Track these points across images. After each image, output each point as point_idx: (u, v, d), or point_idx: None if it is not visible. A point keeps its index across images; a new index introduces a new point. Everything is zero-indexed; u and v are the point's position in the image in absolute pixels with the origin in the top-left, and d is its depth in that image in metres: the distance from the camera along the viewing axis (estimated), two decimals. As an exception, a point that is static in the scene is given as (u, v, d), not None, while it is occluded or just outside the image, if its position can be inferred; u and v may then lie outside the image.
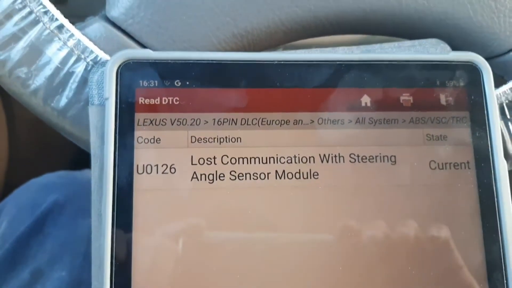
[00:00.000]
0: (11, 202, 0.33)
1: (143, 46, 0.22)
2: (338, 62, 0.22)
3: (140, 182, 0.19)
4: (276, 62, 0.21)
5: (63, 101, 0.22)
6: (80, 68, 0.21)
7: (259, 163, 0.20)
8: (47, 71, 0.21)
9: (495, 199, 0.21)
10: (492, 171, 0.22)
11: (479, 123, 0.22)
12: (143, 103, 0.20)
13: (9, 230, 0.31)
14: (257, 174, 0.20)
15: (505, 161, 0.22)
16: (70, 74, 0.21)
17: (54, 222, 0.31)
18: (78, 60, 0.21)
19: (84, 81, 0.22)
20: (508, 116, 0.25)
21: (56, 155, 0.57)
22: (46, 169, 0.54)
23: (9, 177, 0.53)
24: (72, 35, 0.21)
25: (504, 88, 0.25)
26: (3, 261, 0.30)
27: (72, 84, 0.22)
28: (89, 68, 0.21)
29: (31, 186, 0.34)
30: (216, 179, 0.20)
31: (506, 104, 0.25)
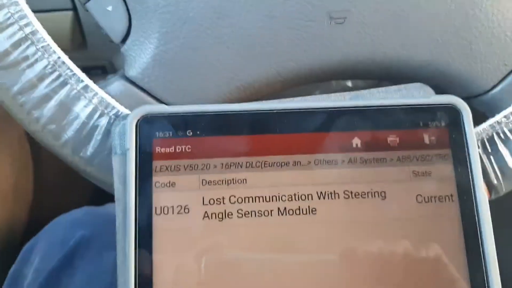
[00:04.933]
0: (43, 238, 0.35)
1: (158, 99, 0.24)
2: (331, 109, 0.23)
3: (158, 222, 0.21)
4: (275, 111, 0.23)
5: (90, 151, 0.24)
6: (103, 122, 0.24)
7: (263, 201, 0.22)
8: (75, 125, 0.24)
9: (478, 228, 0.22)
10: (474, 203, 0.23)
11: (461, 159, 0.23)
12: (159, 152, 0.22)
13: (42, 265, 0.33)
14: (261, 211, 0.22)
15: (485, 193, 0.23)
16: (95, 127, 0.24)
17: (82, 256, 0.33)
18: (101, 115, 0.24)
19: (107, 133, 0.24)
20: (490, 150, 0.26)
21: (79, 183, 0.59)
22: (69, 196, 0.56)
23: (36, 204, 0.55)
24: (96, 94, 0.24)
25: (484, 125, 0.26)
26: None
27: (97, 136, 0.24)
28: (111, 121, 0.24)
29: (60, 223, 0.36)
30: (225, 217, 0.22)
31: (487, 139, 0.26)
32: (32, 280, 0.32)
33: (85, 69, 0.24)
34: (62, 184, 0.57)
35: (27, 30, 0.23)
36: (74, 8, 0.28)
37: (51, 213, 0.40)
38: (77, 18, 0.28)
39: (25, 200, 0.53)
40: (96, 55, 0.30)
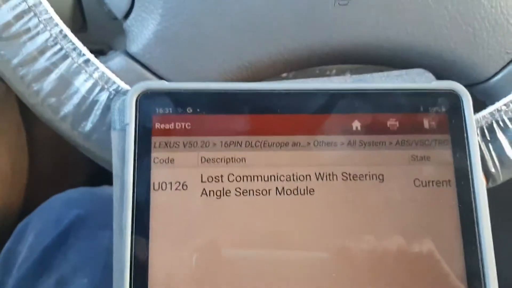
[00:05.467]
0: (37, 217, 0.35)
1: (159, 77, 0.24)
2: (332, 91, 0.23)
3: (156, 198, 0.21)
4: (276, 91, 0.23)
5: (89, 126, 0.23)
6: (103, 97, 0.23)
7: (261, 180, 0.22)
8: (75, 99, 0.23)
9: (474, 214, 0.23)
10: (472, 188, 0.23)
11: (460, 145, 0.23)
12: (159, 128, 0.22)
13: (36, 242, 0.33)
14: (259, 190, 0.22)
15: (483, 179, 0.23)
16: (95, 102, 0.23)
17: (76, 234, 0.33)
18: (102, 89, 0.23)
19: (107, 108, 0.23)
20: (488, 138, 0.26)
21: (73, 171, 0.59)
22: (63, 184, 0.56)
23: (29, 191, 0.55)
24: (97, 68, 0.23)
25: (484, 112, 0.26)
26: (31, 270, 0.31)
27: (97, 111, 0.23)
28: (111, 96, 0.23)
29: (55, 202, 0.36)
30: (223, 195, 0.22)
31: (486, 127, 0.26)
32: (26, 257, 0.32)
33: None
34: (56, 171, 0.57)
35: (30, 2, 0.23)
36: None
37: (45, 199, 0.40)
38: (78, 1, 0.28)
39: (21, 186, 0.53)
40: (95, 38, 0.29)
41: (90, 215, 0.34)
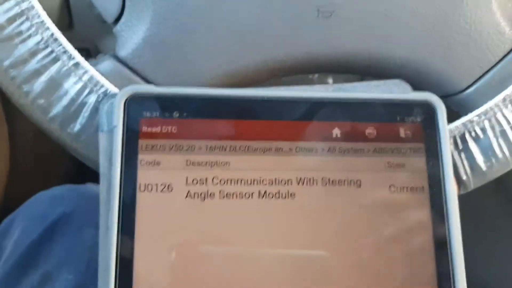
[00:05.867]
0: (23, 213, 0.35)
1: (147, 81, 0.25)
2: (314, 99, 0.24)
3: (142, 199, 0.22)
4: (260, 98, 0.24)
5: (77, 127, 0.24)
6: (92, 99, 0.24)
7: (244, 184, 0.23)
8: (64, 101, 0.24)
9: (445, 218, 0.24)
10: (444, 195, 0.24)
11: (433, 153, 0.24)
12: (146, 131, 0.22)
13: (21, 238, 0.33)
14: (242, 193, 0.23)
15: (455, 186, 0.24)
16: (83, 104, 0.24)
17: (62, 231, 0.33)
18: (90, 92, 0.24)
19: (95, 110, 0.24)
20: (461, 147, 0.27)
21: (54, 166, 0.59)
22: (44, 179, 0.56)
23: (9, 188, 0.54)
24: (86, 71, 0.24)
25: (457, 123, 0.27)
26: (17, 264, 0.32)
27: (85, 112, 0.24)
28: (100, 99, 0.24)
29: (41, 199, 0.36)
30: (207, 198, 0.22)
31: (459, 137, 0.27)
32: (11, 252, 0.33)
33: None
34: (37, 166, 0.57)
35: (24, 5, 0.23)
36: None
37: (25, 193, 0.40)
38: (66, 0, 0.28)
39: (1, 179, 0.53)
40: (81, 36, 0.30)
41: (75, 213, 0.34)
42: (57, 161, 0.55)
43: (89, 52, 0.34)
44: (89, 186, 0.37)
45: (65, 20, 0.29)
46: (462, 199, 0.26)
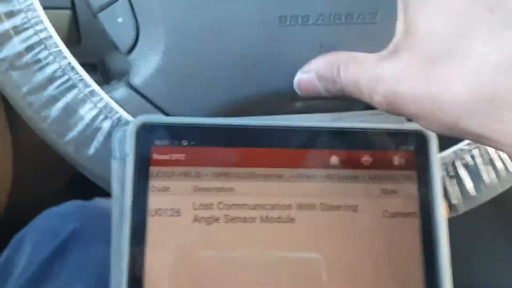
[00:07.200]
0: (34, 229, 0.36)
1: (158, 107, 0.26)
2: (313, 129, 0.25)
3: (152, 223, 0.23)
4: (263, 127, 0.25)
5: (92, 151, 0.25)
6: (106, 125, 0.25)
7: (248, 209, 0.24)
8: (80, 126, 0.25)
9: (435, 241, 0.25)
10: (434, 219, 0.25)
11: (424, 180, 0.25)
12: (156, 158, 0.23)
13: (34, 254, 0.34)
14: (246, 218, 0.24)
15: (444, 212, 0.26)
16: (98, 129, 0.25)
17: (73, 247, 0.34)
18: (105, 118, 0.25)
19: (108, 135, 0.25)
20: (452, 174, 0.29)
21: (56, 177, 0.59)
22: (46, 189, 0.56)
23: (13, 195, 0.55)
24: (101, 98, 0.25)
25: (449, 151, 0.29)
26: (31, 280, 0.33)
27: (100, 137, 0.25)
28: (114, 125, 0.25)
29: (51, 215, 0.37)
30: (213, 222, 0.23)
31: (451, 164, 0.29)
32: (24, 268, 0.34)
33: None
34: (40, 176, 0.57)
35: (42, 35, 0.24)
36: (73, 7, 0.29)
37: (28, 203, 0.41)
38: (74, 17, 0.29)
39: (4, 190, 0.53)
40: (88, 51, 0.30)
41: (85, 229, 0.35)
42: (61, 169, 0.55)
43: (95, 67, 0.34)
44: (98, 201, 0.38)
45: (74, 36, 0.30)
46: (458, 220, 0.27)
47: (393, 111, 0.21)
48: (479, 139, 0.20)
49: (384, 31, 0.24)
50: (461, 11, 0.19)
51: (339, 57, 0.23)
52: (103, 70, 0.33)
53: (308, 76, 0.24)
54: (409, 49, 0.20)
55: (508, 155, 0.28)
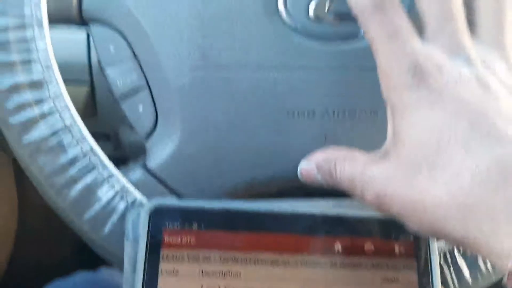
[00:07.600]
0: None
1: (172, 190, 0.27)
2: (317, 216, 0.26)
3: None
4: (269, 213, 0.26)
5: (106, 230, 0.26)
6: (121, 206, 0.26)
7: None
8: (97, 206, 0.26)
9: None
10: None
11: (424, 269, 0.26)
12: (167, 241, 0.24)
13: None
14: None
15: None
16: (113, 209, 0.26)
17: None
18: (121, 199, 0.26)
19: (123, 216, 0.26)
20: (450, 261, 0.29)
21: (60, 238, 0.60)
22: (50, 250, 0.56)
23: (17, 246, 0.55)
24: (118, 181, 0.26)
25: None
26: None
27: (114, 217, 0.26)
28: (128, 206, 0.26)
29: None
30: None
31: (448, 252, 0.29)
32: None
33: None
34: (47, 229, 0.57)
35: (67, 122, 0.26)
36: (91, 83, 0.30)
37: (33, 256, 0.41)
38: (92, 93, 0.31)
39: (7, 247, 0.54)
40: (103, 123, 0.32)
41: None
42: (65, 231, 0.56)
43: (109, 137, 0.36)
44: (103, 271, 0.38)
45: (90, 108, 0.32)
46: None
47: (383, 210, 0.23)
48: (463, 244, 0.21)
49: (384, 126, 0.26)
50: (442, 124, 0.21)
51: (337, 154, 0.25)
52: (116, 141, 0.34)
53: (309, 166, 0.26)
54: (396, 155, 0.22)
55: (490, 263, 0.29)
